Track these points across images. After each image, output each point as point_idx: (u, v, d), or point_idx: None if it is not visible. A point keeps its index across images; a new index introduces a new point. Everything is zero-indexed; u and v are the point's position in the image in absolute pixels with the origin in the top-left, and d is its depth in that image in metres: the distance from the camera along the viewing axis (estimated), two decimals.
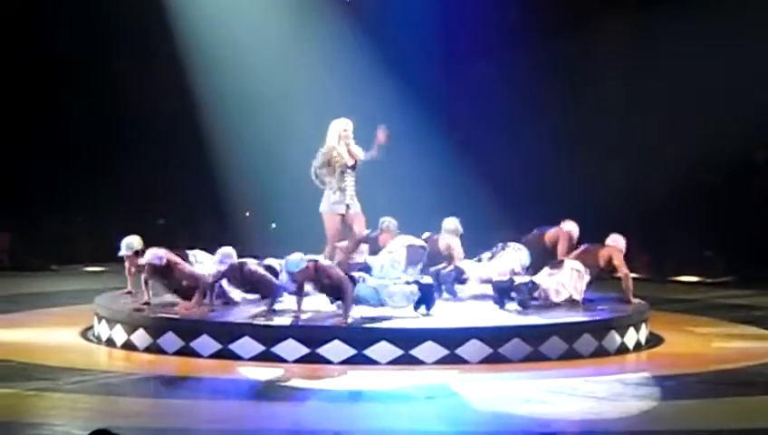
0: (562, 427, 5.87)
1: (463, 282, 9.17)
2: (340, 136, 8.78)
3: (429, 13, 14.00)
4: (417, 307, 8.03)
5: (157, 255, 8.19)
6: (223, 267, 8.29)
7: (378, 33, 14.08)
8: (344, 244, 8.96)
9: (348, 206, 8.80)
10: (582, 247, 9.05)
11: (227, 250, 8.50)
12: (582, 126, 14.50)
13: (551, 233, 9.48)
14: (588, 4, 14.72)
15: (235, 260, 8.39)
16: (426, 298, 8.09)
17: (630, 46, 14.79)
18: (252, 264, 8.36)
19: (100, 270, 13.68)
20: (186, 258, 8.73)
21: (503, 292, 8.57)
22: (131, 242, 8.94)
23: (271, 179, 14.49)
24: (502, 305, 8.57)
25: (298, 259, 7.68)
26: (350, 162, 8.78)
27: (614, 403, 6.40)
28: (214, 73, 14.53)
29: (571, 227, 9.47)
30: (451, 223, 9.39)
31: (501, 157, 14.24)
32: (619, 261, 8.87)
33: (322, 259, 8.05)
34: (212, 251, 8.85)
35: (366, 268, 8.77)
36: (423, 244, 8.87)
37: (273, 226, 15.65)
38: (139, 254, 8.74)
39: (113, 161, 14.90)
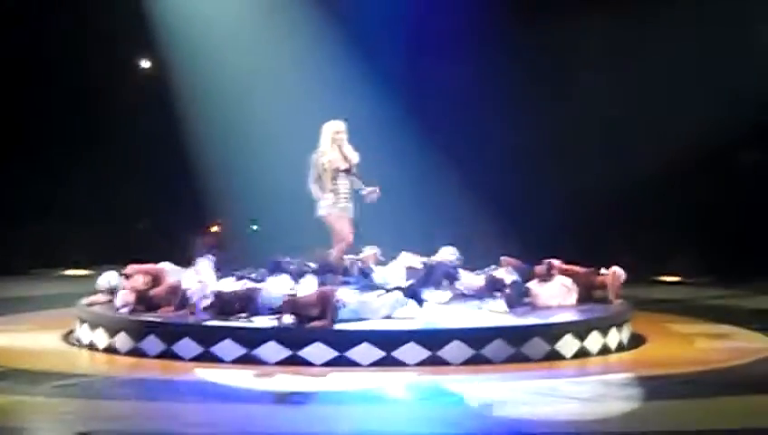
0: (546, 428, 5.87)
1: (452, 280, 9.20)
2: (333, 139, 8.71)
3: (402, 14, 14.00)
4: (404, 305, 8.04)
5: (125, 302, 8.13)
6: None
7: (354, 35, 14.05)
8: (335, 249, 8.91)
9: (344, 208, 8.76)
10: (582, 269, 9.12)
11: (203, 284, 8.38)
12: (562, 125, 14.54)
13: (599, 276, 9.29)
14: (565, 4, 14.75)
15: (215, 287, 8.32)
16: (413, 298, 8.11)
17: (609, 42, 14.85)
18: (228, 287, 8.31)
19: (81, 274, 13.60)
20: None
21: (492, 286, 8.60)
22: (108, 280, 8.80)
23: (252, 181, 14.46)
24: (487, 297, 8.58)
25: (276, 298, 7.72)
26: (343, 166, 8.71)
27: (597, 404, 6.42)
28: (195, 79, 14.50)
29: (620, 272, 9.39)
30: (449, 253, 9.45)
31: (478, 159, 14.27)
32: (613, 290, 8.91)
33: (300, 290, 8.06)
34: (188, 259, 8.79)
35: (367, 273, 8.84)
36: (420, 266, 9.10)
37: (255, 228, 15.61)
38: (114, 292, 8.63)
39: (94, 164, 14.85)
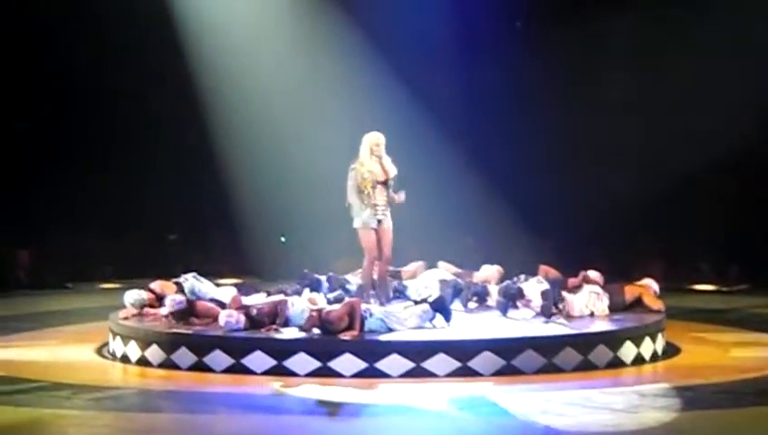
0: None
1: (482, 300, 9.16)
2: (372, 150, 8.58)
3: (433, 20, 14.00)
4: (432, 321, 8.02)
5: (175, 301, 8.20)
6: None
7: (383, 42, 14.07)
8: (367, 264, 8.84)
9: (379, 221, 8.60)
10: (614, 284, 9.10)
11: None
12: (588, 130, 14.44)
13: (631, 287, 9.21)
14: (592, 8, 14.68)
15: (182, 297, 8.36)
16: (441, 311, 8.07)
17: (631, 49, 14.75)
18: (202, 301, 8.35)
19: (115, 287, 13.72)
20: (181, 286, 8.73)
21: (510, 298, 8.56)
22: (138, 298, 8.81)
23: (280, 193, 14.52)
24: (504, 312, 8.56)
25: (299, 312, 7.71)
26: (382, 178, 8.57)
27: (632, 415, 6.34)
28: (225, 90, 14.60)
29: (652, 284, 9.31)
30: (493, 272, 9.43)
31: (508, 165, 14.20)
32: (649, 299, 8.86)
33: (326, 305, 8.08)
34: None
35: (402, 290, 8.82)
36: (456, 278, 9.11)
37: (283, 239, 15.66)
38: (144, 308, 8.70)
39: (126, 178, 15.00)
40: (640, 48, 14.69)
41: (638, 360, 8.02)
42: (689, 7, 13.56)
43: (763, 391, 7.02)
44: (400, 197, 8.61)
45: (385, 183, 8.60)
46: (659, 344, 8.38)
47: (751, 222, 14.07)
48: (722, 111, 13.52)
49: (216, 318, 8.08)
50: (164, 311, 8.39)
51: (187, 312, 8.26)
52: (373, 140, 8.61)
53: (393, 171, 8.62)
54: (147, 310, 8.74)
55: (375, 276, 8.72)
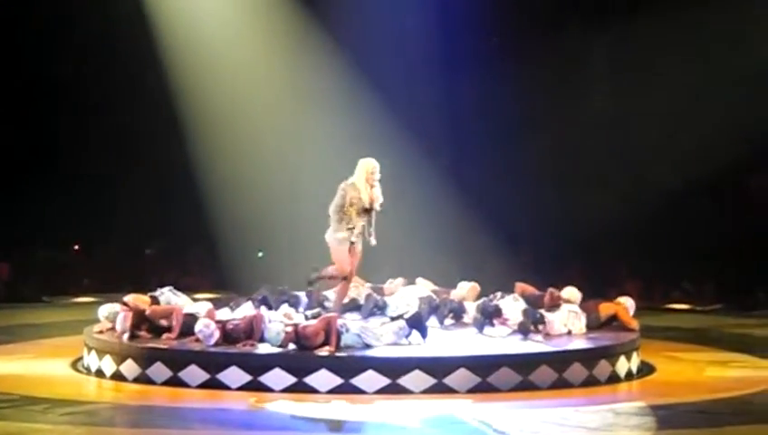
0: None
1: (459, 317, 9.20)
2: (366, 178, 8.62)
3: (411, 35, 14.07)
4: (408, 337, 8.03)
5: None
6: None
7: (361, 55, 14.11)
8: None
9: (352, 243, 8.67)
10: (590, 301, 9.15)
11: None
12: (568, 152, 14.53)
13: (606, 305, 9.26)
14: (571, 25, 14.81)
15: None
16: (417, 328, 8.09)
17: (609, 68, 14.87)
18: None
19: (91, 301, 13.62)
20: (156, 300, 8.70)
21: (487, 316, 8.59)
22: (112, 312, 8.70)
23: (258, 207, 14.49)
24: (481, 330, 8.59)
25: (275, 334, 7.69)
26: (367, 206, 8.62)
27: (606, 433, 6.36)
28: (202, 103, 14.59)
29: (628, 302, 9.34)
30: (470, 290, 9.48)
31: (485, 183, 14.24)
32: (625, 317, 8.91)
33: (302, 321, 8.07)
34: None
35: (357, 307, 8.84)
36: (431, 295, 9.15)
37: (260, 255, 15.61)
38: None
39: (103, 192, 14.94)
40: (618, 66, 14.82)
41: (613, 378, 8.05)
42: (668, 26, 13.69)
43: (737, 410, 7.08)
44: (371, 241, 8.69)
45: (368, 211, 8.64)
46: (634, 363, 8.42)
47: (725, 242, 14.19)
48: (699, 131, 13.66)
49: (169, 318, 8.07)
50: (118, 327, 8.30)
51: (143, 320, 8.21)
52: (369, 168, 8.65)
53: (380, 200, 8.65)
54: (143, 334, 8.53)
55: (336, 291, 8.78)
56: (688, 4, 13.42)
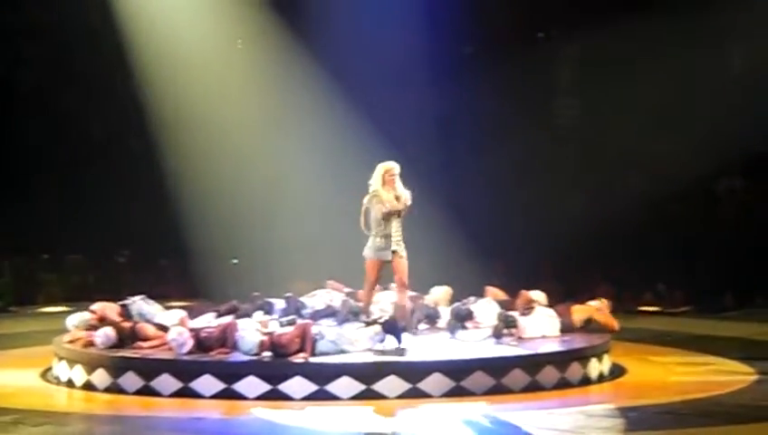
0: None
1: (433, 322, 9.22)
2: (384, 180, 8.45)
3: (385, 42, 14.09)
4: (383, 342, 8.04)
5: (107, 337, 8.07)
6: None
7: (335, 64, 14.13)
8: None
9: (394, 251, 8.45)
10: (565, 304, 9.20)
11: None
12: (541, 156, 14.63)
13: (579, 308, 9.28)
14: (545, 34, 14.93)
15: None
16: (392, 333, 8.10)
17: (588, 73, 15.00)
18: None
19: (59, 310, 13.48)
20: (126, 309, 8.64)
21: (460, 320, 8.62)
22: (83, 320, 8.62)
23: (232, 214, 14.44)
24: (453, 333, 8.63)
25: (250, 342, 7.65)
26: (398, 208, 8.43)
27: None
28: (175, 110, 14.52)
29: (601, 305, 9.39)
30: (443, 294, 9.48)
31: (459, 189, 14.30)
32: (604, 318, 8.98)
33: (277, 328, 8.03)
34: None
35: (332, 314, 8.86)
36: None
37: (235, 262, 15.55)
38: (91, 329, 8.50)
39: (73, 199, 14.80)
40: (587, 75, 14.95)
41: (585, 380, 8.12)
42: (639, 34, 13.83)
43: (705, 411, 7.15)
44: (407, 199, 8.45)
45: (399, 214, 8.46)
46: (605, 365, 8.49)
47: (694, 246, 14.35)
48: (670, 136, 13.81)
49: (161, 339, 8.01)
50: (97, 341, 8.24)
51: (131, 336, 8.16)
52: (382, 171, 8.47)
53: (407, 202, 8.48)
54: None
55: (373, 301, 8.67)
56: (658, 12, 13.57)
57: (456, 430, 6.63)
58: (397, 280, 8.55)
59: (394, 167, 8.53)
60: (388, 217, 8.41)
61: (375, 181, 8.51)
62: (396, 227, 8.46)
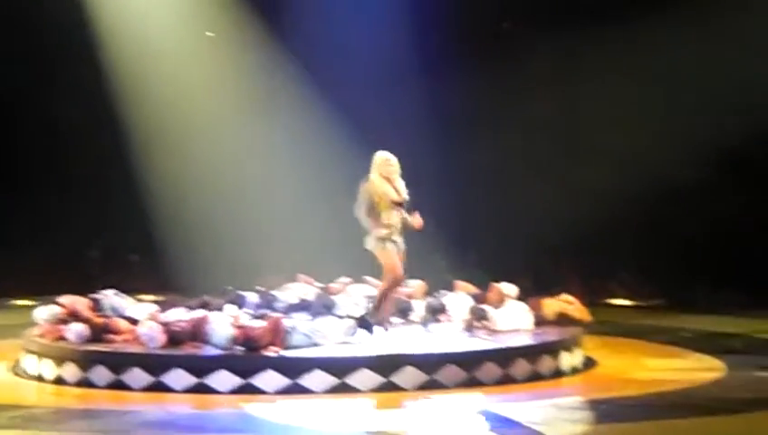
0: None
1: (406, 314, 9.24)
2: (383, 171, 8.30)
3: (358, 37, 14.06)
4: (355, 335, 8.04)
5: (79, 333, 7.99)
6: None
7: (309, 59, 14.07)
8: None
9: (395, 242, 8.26)
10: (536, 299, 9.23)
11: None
12: (516, 149, 14.66)
13: (550, 302, 9.28)
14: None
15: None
16: (364, 326, 8.10)
17: (564, 68, 15.03)
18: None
19: (27, 304, 13.33)
20: (97, 302, 8.55)
21: (433, 313, 8.64)
22: (52, 313, 8.48)
23: (204, 207, 14.35)
24: (426, 326, 8.66)
25: (222, 338, 7.59)
26: (397, 199, 8.28)
27: (550, 428, 6.45)
28: (144, 105, 14.40)
29: (570, 298, 9.43)
30: (417, 287, 9.49)
31: (436, 182, 14.28)
32: (577, 311, 9.04)
33: (249, 322, 7.98)
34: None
35: (305, 307, 8.83)
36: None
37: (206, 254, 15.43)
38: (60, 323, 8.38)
39: (40, 191, 14.64)
40: (565, 69, 14.98)
41: (557, 373, 8.16)
42: (616, 32, 13.87)
43: (674, 404, 7.22)
44: (416, 219, 8.27)
45: (401, 205, 8.29)
46: (577, 358, 8.56)
47: (663, 240, 14.47)
48: (643, 132, 13.88)
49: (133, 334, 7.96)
50: (70, 336, 8.15)
51: (104, 331, 8.09)
52: (379, 161, 8.33)
53: (405, 193, 8.33)
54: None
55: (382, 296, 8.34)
56: (635, 13, 13.63)
57: (430, 423, 6.64)
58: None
59: (390, 158, 8.39)
60: (389, 208, 8.23)
61: (372, 173, 8.35)
62: (397, 218, 8.29)
